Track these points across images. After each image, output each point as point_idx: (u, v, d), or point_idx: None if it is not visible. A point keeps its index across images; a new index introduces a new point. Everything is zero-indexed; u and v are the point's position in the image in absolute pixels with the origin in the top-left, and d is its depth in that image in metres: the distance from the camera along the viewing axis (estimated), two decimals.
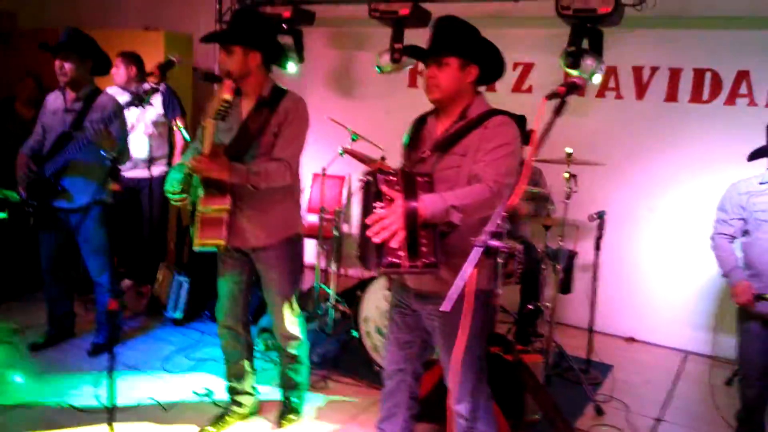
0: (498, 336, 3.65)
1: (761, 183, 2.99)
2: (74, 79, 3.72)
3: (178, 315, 4.52)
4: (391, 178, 2.12)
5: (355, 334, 3.84)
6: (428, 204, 2.08)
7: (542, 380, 3.53)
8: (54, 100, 3.88)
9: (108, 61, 3.93)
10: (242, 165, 2.79)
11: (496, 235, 1.58)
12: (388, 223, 2.05)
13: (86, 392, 3.49)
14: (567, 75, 4.34)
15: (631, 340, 4.78)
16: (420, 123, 2.52)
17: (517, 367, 3.30)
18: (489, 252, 1.59)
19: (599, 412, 3.57)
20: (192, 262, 4.72)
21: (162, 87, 3.49)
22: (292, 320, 3.13)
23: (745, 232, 3.05)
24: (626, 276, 4.73)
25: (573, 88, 1.76)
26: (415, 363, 2.69)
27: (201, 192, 2.83)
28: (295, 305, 3.16)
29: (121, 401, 2.82)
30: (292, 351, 3.19)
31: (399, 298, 2.58)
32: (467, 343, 2.38)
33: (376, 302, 3.73)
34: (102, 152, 3.71)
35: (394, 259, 2.09)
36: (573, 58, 3.90)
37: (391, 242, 2.06)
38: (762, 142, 3.02)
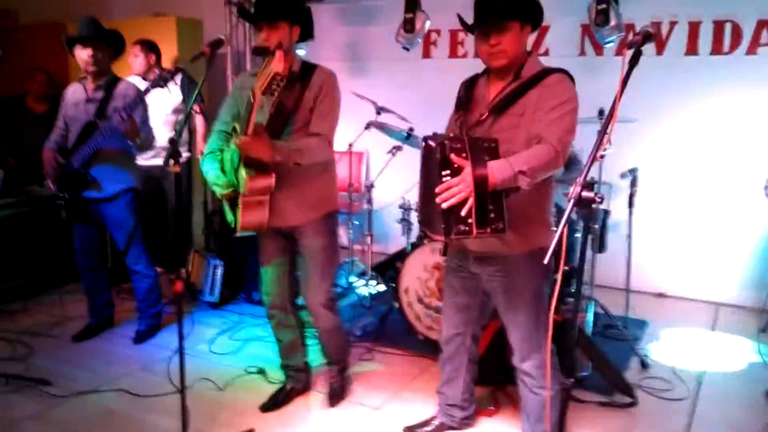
0: None
1: None
2: (101, 68, 3.69)
3: (215, 298, 4.54)
4: (458, 145, 2.11)
5: (396, 305, 3.86)
6: (497, 170, 2.06)
7: None
8: (74, 92, 3.84)
9: (122, 43, 3.86)
10: (283, 143, 2.77)
11: (587, 187, 1.59)
12: (457, 191, 2.04)
13: (140, 378, 3.52)
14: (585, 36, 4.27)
15: (662, 295, 4.84)
16: (469, 85, 2.51)
17: (566, 325, 3.34)
18: (582, 203, 1.60)
19: (645, 365, 3.61)
20: (222, 245, 4.72)
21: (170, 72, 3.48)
22: (329, 295, 3.13)
23: None
24: (654, 232, 4.75)
25: (649, 37, 1.76)
26: (474, 326, 2.72)
27: (243, 174, 2.78)
28: (333, 280, 3.16)
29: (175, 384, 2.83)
30: (330, 325, 3.18)
31: (457, 262, 2.60)
32: (536, 300, 2.44)
33: (416, 273, 3.75)
34: (127, 140, 3.70)
35: (464, 227, 2.09)
36: (604, 15, 3.88)
37: (462, 210, 2.06)
38: None
